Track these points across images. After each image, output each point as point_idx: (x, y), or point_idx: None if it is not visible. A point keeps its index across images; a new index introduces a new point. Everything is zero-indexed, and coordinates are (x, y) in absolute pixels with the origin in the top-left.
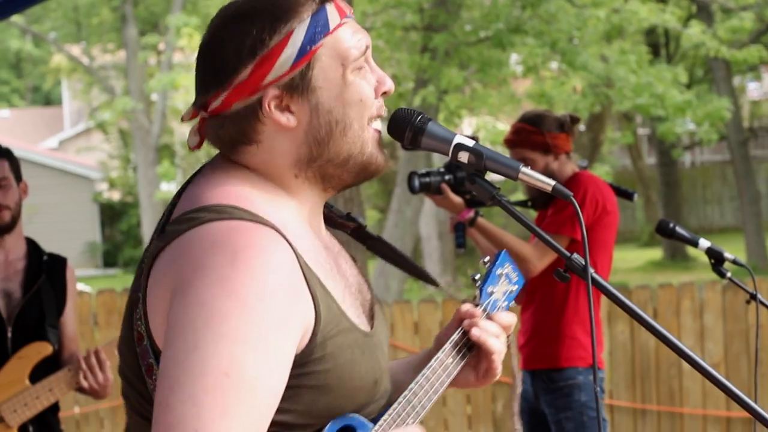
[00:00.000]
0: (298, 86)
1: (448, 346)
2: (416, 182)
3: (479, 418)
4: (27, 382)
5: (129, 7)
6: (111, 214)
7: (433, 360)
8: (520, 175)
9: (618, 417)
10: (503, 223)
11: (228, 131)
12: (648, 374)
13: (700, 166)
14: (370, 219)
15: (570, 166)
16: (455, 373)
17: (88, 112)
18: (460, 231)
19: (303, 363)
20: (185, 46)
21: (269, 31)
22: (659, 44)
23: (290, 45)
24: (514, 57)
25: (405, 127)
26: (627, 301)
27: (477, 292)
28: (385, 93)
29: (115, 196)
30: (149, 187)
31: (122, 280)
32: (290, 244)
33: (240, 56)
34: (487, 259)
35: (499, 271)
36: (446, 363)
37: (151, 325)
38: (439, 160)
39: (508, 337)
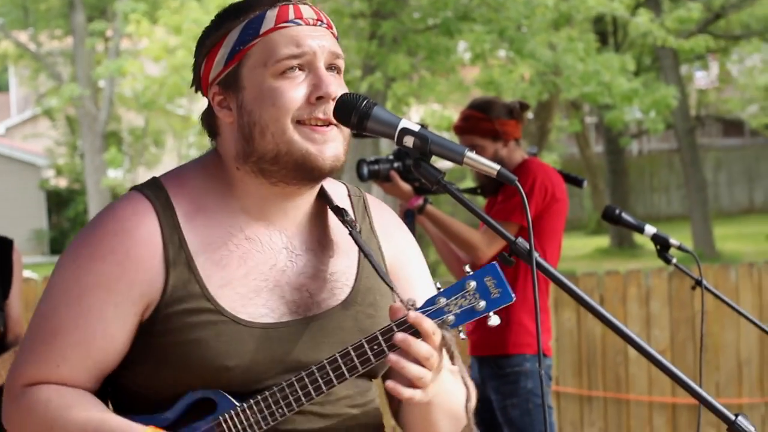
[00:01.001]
0: (230, 84)
1: (350, 348)
2: (365, 170)
3: None
4: None
5: None
6: (58, 201)
7: (325, 360)
8: (465, 160)
9: (564, 403)
10: (451, 211)
11: (204, 122)
12: (594, 361)
13: (647, 155)
14: None
15: (519, 153)
16: (357, 371)
17: (35, 99)
18: (409, 218)
19: (146, 332)
20: (133, 32)
21: (215, 29)
22: (607, 32)
23: (225, 45)
24: (462, 45)
25: (350, 112)
26: (573, 286)
27: (410, 300)
28: (320, 98)
29: (62, 183)
30: (96, 174)
31: None
32: (172, 221)
33: (200, 52)
34: (468, 268)
35: (469, 283)
36: (352, 357)
37: None
38: (386, 148)
39: (447, 347)
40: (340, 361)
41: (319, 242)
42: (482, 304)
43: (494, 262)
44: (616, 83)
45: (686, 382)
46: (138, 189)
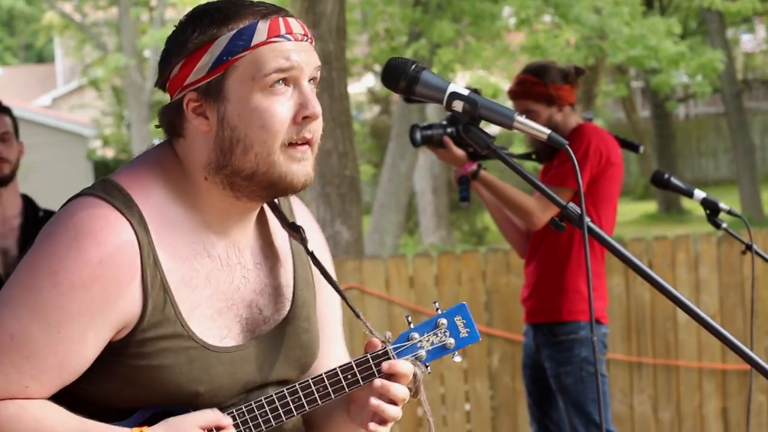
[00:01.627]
0: (212, 93)
1: (329, 375)
2: (418, 135)
3: (475, 372)
4: None
5: None
6: (105, 171)
7: (314, 378)
8: (515, 124)
9: (614, 370)
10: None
11: (164, 119)
12: (643, 327)
13: (694, 119)
14: (364, 174)
15: (574, 117)
16: (321, 402)
17: (81, 69)
18: (464, 184)
19: (117, 351)
20: (177, 1)
21: (198, 33)
22: None
23: (210, 52)
24: (507, 10)
25: (399, 77)
26: (625, 251)
27: (387, 335)
28: (307, 118)
29: (109, 153)
30: (143, 143)
31: None
32: (147, 239)
33: (173, 52)
34: (437, 305)
35: (441, 321)
36: (328, 384)
37: None
38: (433, 114)
39: (416, 382)
40: (312, 387)
41: (264, 254)
42: (452, 341)
43: (464, 303)
44: (662, 47)
45: (736, 345)
46: (107, 200)
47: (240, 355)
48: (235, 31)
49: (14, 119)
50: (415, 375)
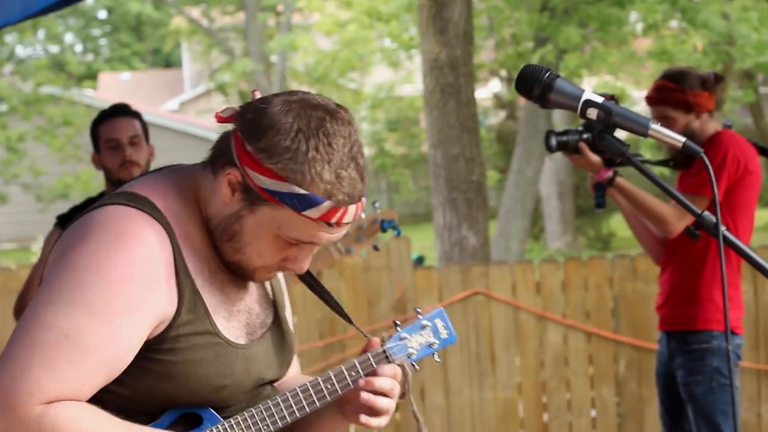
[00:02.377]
0: (249, 195)
1: (332, 372)
2: (553, 141)
3: (602, 378)
4: None
5: None
6: None
7: (312, 382)
8: (650, 132)
9: (742, 378)
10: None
11: (219, 141)
12: None
13: None
14: (490, 179)
15: (712, 125)
16: (326, 399)
17: (208, 74)
18: (599, 191)
19: (153, 348)
20: (304, 7)
21: (285, 160)
22: None
23: (274, 183)
24: (633, 15)
25: (533, 84)
26: (759, 260)
27: (385, 335)
28: (286, 268)
29: None
30: None
31: None
32: (176, 243)
33: (260, 139)
34: (419, 309)
35: (425, 323)
36: (322, 387)
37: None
38: (558, 120)
39: (404, 386)
40: (322, 384)
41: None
42: (435, 341)
43: (441, 308)
44: None
45: None
46: (137, 207)
47: (250, 353)
48: (303, 193)
49: (144, 123)
50: (405, 375)
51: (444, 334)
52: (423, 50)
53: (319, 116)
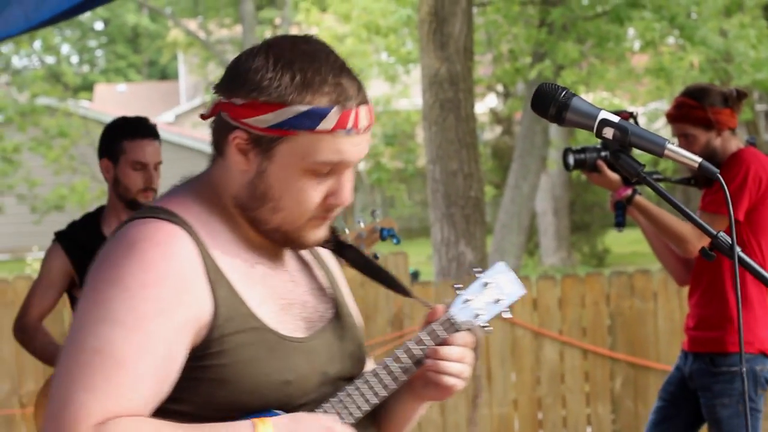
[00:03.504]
0: (261, 145)
1: (399, 352)
2: (571, 159)
3: (597, 395)
4: None
5: None
6: None
7: (379, 365)
8: (666, 152)
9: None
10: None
11: (213, 129)
12: None
13: None
14: (486, 195)
15: (734, 142)
16: (402, 379)
17: (204, 87)
18: (619, 209)
19: (200, 356)
20: (302, 20)
21: (275, 88)
22: None
23: (277, 114)
24: (631, 32)
25: (549, 103)
26: None
27: (452, 300)
28: (335, 205)
29: None
30: None
31: None
32: (201, 244)
33: (244, 85)
34: (478, 269)
35: (487, 280)
36: (393, 369)
37: None
38: (555, 135)
39: (475, 350)
40: (391, 365)
41: (297, 260)
42: (502, 297)
43: (501, 262)
44: None
45: None
46: (153, 217)
47: (311, 346)
48: (308, 108)
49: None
50: (475, 337)
51: (510, 287)
52: (423, 65)
53: (291, 42)
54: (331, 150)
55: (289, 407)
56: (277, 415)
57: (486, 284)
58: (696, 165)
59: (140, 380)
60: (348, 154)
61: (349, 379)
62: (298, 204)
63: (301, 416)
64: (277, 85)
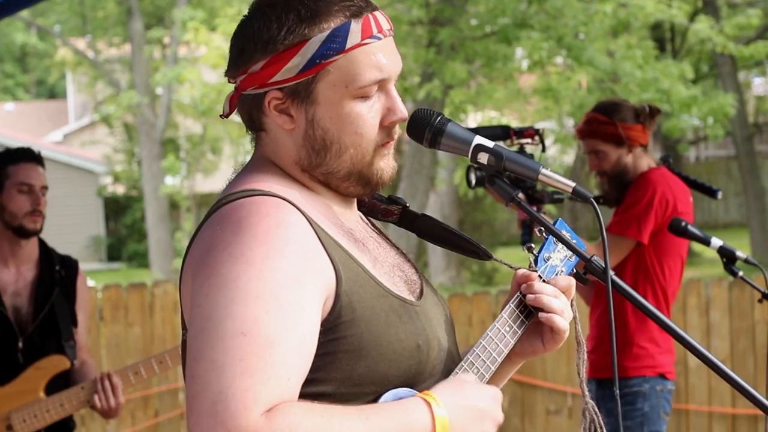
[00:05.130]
0: (300, 94)
1: (504, 313)
2: (473, 176)
3: None
4: (41, 393)
5: (134, 0)
6: (115, 208)
7: (489, 329)
8: (540, 176)
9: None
10: (585, 225)
11: (243, 111)
12: None
13: (705, 162)
14: None
15: (645, 160)
16: (514, 340)
17: (93, 106)
18: (525, 228)
19: (332, 327)
20: (191, 40)
21: (287, 32)
22: (665, 39)
23: (301, 53)
24: (519, 51)
25: (424, 128)
26: (647, 304)
27: (532, 259)
28: (394, 122)
29: (120, 189)
30: (154, 181)
31: (126, 274)
32: (304, 214)
33: (255, 47)
34: (542, 228)
35: (555, 239)
36: (503, 331)
37: (186, 319)
38: (443, 155)
39: (571, 302)
40: (500, 327)
41: (375, 229)
42: (570, 253)
43: (559, 218)
44: (674, 90)
45: (748, 390)
46: (244, 196)
47: (424, 309)
48: (328, 32)
49: None
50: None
51: (572, 242)
52: None
53: None
54: (371, 66)
55: (419, 379)
56: (405, 395)
57: (555, 241)
58: (570, 189)
59: (294, 356)
60: (387, 65)
61: (451, 343)
62: (359, 135)
63: (461, 384)
64: (287, 28)
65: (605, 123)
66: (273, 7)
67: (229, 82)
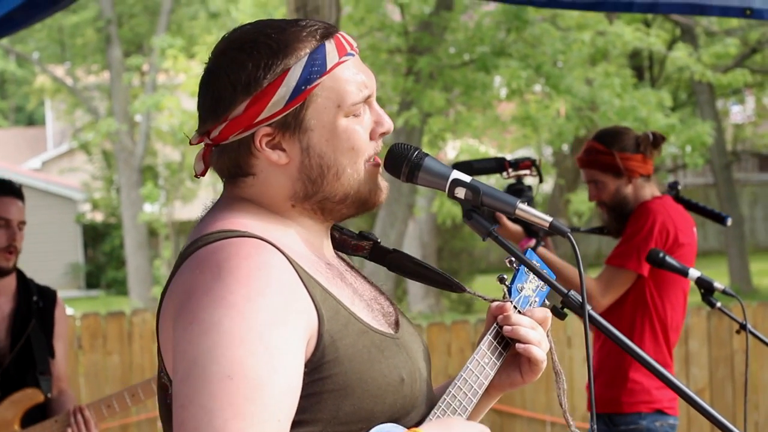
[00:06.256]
0: (290, 125)
1: (483, 345)
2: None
3: None
4: (16, 426)
5: (113, 28)
6: (94, 236)
7: (468, 362)
8: (517, 212)
9: None
10: (564, 253)
11: (225, 162)
12: None
13: (683, 189)
14: None
15: (648, 190)
16: (493, 372)
17: (72, 133)
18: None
19: (316, 367)
20: (169, 67)
21: (264, 68)
22: (643, 67)
23: (285, 84)
24: (498, 80)
25: (401, 163)
26: (624, 338)
27: (505, 289)
28: (383, 134)
29: (98, 217)
30: (132, 208)
31: (105, 302)
32: (284, 254)
33: (235, 91)
34: (513, 258)
35: (526, 270)
36: (482, 363)
37: (167, 365)
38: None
39: (547, 333)
40: (480, 362)
41: (348, 264)
42: (540, 284)
43: (528, 248)
44: (653, 119)
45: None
46: (222, 238)
47: (404, 342)
48: (306, 57)
49: None
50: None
51: (543, 272)
52: None
53: (232, 37)
54: (353, 83)
55: (402, 412)
56: (393, 427)
57: (526, 272)
58: (546, 224)
59: (283, 397)
60: (367, 81)
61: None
62: (355, 150)
63: (449, 421)
64: (264, 63)
65: (603, 153)
66: (241, 50)
67: (196, 143)
